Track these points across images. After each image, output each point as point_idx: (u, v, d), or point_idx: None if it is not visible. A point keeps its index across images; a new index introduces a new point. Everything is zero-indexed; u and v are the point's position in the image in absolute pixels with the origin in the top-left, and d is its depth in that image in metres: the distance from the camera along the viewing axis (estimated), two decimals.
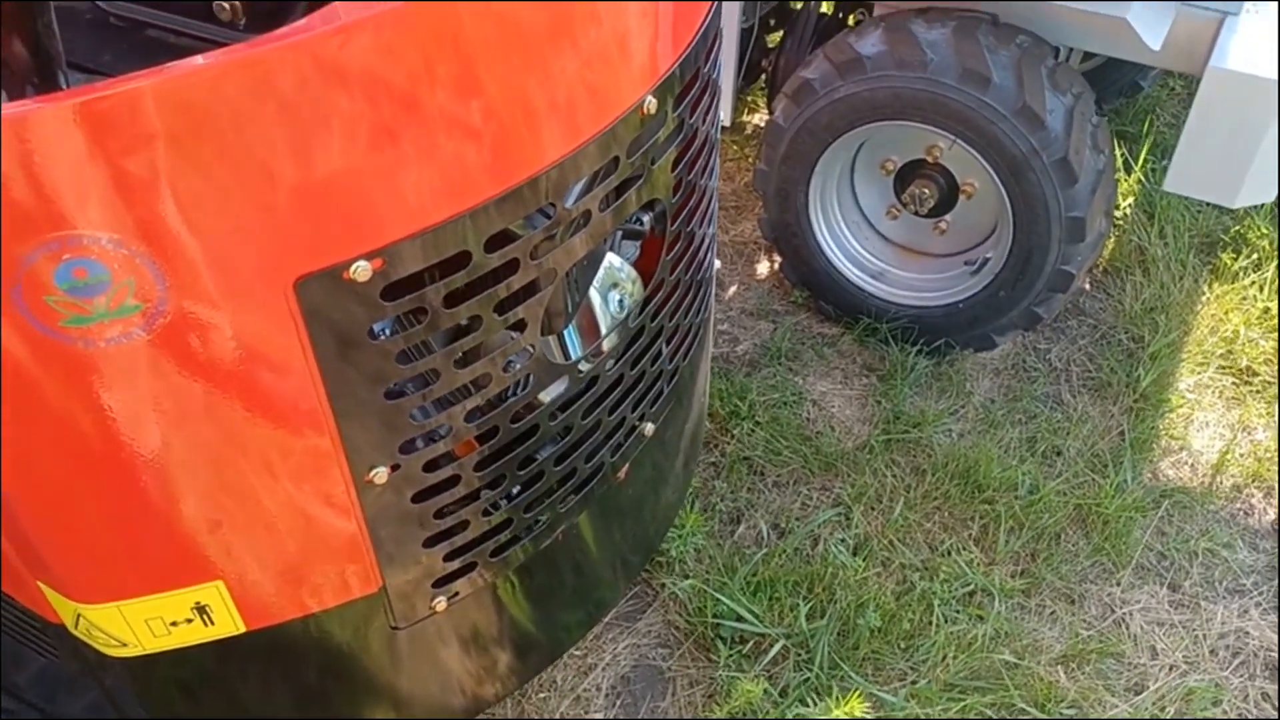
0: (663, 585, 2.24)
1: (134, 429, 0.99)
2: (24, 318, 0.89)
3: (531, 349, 1.19)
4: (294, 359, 1.00)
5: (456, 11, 0.94)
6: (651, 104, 1.18)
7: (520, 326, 1.17)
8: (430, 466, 1.16)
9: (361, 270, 0.97)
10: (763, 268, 3.13)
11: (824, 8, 2.97)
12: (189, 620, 1.14)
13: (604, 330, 1.38)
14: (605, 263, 1.39)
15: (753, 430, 2.58)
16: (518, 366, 1.19)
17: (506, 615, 1.48)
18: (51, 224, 0.86)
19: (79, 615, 1.13)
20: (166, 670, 1.23)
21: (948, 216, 2.70)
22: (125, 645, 1.16)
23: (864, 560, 2.29)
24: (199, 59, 0.87)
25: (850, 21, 2.97)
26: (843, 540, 2.34)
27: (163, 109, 0.86)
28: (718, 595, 2.16)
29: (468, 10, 0.95)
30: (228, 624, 1.16)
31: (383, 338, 1.04)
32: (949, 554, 2.34)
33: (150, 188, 0.87)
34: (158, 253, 0.89)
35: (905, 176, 2.70)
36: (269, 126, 0.90)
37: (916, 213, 2.71)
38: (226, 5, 0.98)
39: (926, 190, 2.66)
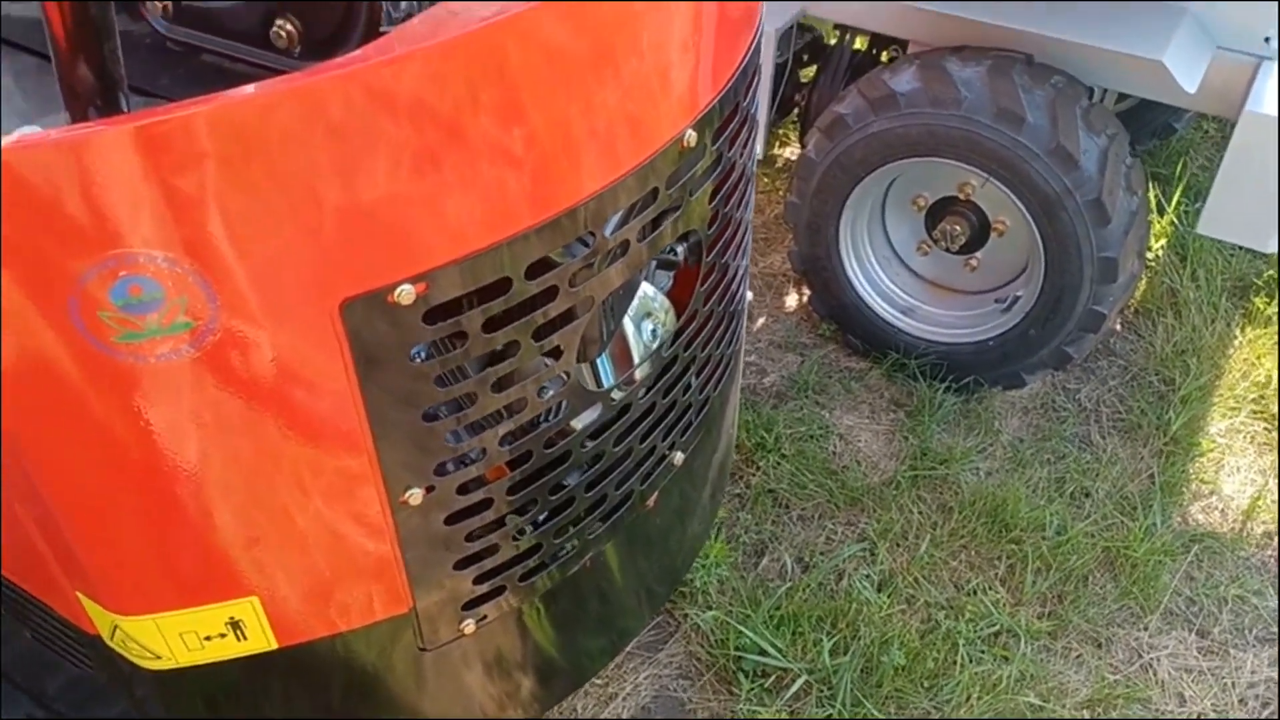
0: (685, 616, 2.24)
1: (177, 444, 1.01)
2: (78, 332, 0.91)
3: (566, 376, 1.20)
4: (336, 380, 1.01)
5: (504, 42, 0.96)
6: (691, 137, 1.20)
7: (556, 353, 1.19)
8: (463, 489, 1.18)
9: (405, 294, 0.99)
10: (791, 300, 3.13)
11: (858, 44, 2.99)
12: (222, 635, 1.16)
13: (637, 359, 1.39)
14: (639, 292, 1.40)
15: (779, 463, 2.58)
16: (552, 393, 1.20)
17: (531, 641, 1.48)
18: (109, 242, 0.88)
19: (115, 627, 1.15)
20: (196, 684, 1.24)
21: (978, 254, 2.71)
22: (159, 658, 1.17)
23: (889, 597, 2.28)
24: (252, 87, 0.90)
25: (884, 58, 2.99)
26: (868, 576, 2.33)
27: (215, 135, 0.88)
28: (740, 628, 2.15)
29: (514, 40, 0.97)
30: (260, 640, 1.17)
31: (422, 360, 1.06)
32: (975, 593, 2.32)
33: (204, 209, 0.89)
34: (210, 272, 0.91)
35: (936, 213, 2.70)
36: (319, 153, 0.92)
37: (947, 249, 2.71)
38: (283, 32, 1.00)
39: (958, 227, 2.66)
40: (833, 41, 3.03)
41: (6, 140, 0.87)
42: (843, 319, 2.87)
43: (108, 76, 0.93)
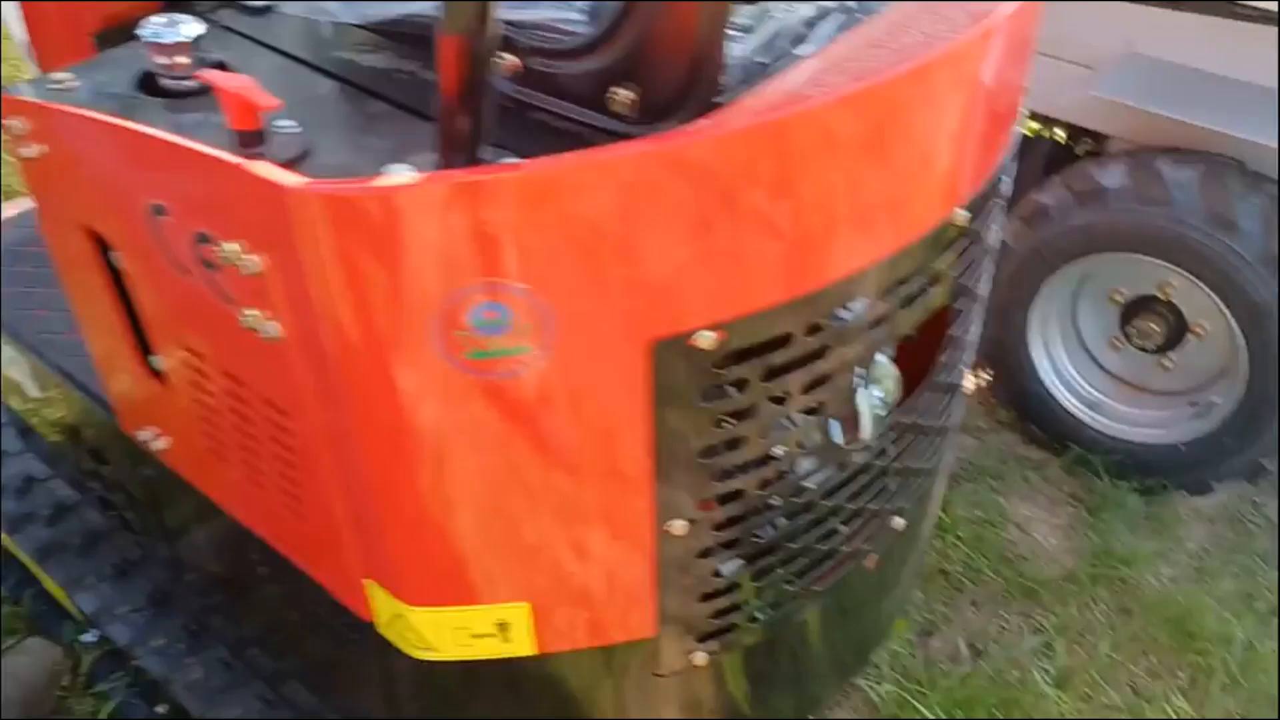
0: (856, 686, 2.25)
1: (492, 454, 1.12)
2: (432, 346, 1.04)
3: (821, 431, 1.28)
4: (635, 411, 1.12)
5: (834, 123, 1.05)
6: (961, 218, 1.28)
7: (812, 409, 1.27)
8: (719, 526, 1.26)
9: (707, 339, 1.09)
10: (967, 382, 3.13)
11: (1056, 135, 3.02)
12: (490, 635, 1.26)
13: (868, 423, 1.46)
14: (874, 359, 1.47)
15: (954, 545, 2.58)
16: (807, 446, 1.28)
17: (737, 686, 1.53)
18: (475, 271, 1.01)
19: (399, 615, 1.26)
20: (449, 677, 1.34)
21: (1173, 354, 2.67)
22: (431, 649, 1.28)
23: (1067, 694, 2.24)
24: (590, 152, 1.02)
25: (1079, 152, 3.01)
26: (1046, 670, 2.29)
27: (559, 192, 1.01)
28: (917, 705, 2.15)
29: (842, 123, 1.06)
30: (521, 644, 1.27)
31: (708, 403, 1.15)
32: (1155, 701, 2.26)
33: (551, 252, 1.02)
34: (554, 306, 1.03)
35: (1132, 309, 2.69)
36: (645, 212, 1.03)
37: (1141, 347, 2.69)
38: (622, 98, 1.12)
39: (1154, 326, 2.64)
40: (1031, 134, 3.07)
41: (384, 179, 1.02)
42: (1024, 407, 2.86)
43: (478, 129, 1.07)
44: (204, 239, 1.12)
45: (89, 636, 2.21)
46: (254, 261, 1.07)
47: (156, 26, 1.26)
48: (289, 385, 1.17)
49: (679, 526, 1.22)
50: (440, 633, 1.26)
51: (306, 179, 1.01)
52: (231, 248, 1.08)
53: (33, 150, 1.29)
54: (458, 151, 1.07)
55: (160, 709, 2.10)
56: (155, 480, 1.63)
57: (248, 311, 1.12)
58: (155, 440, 1.52)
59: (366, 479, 1.16)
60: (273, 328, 1.11)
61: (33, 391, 1.88)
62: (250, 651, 1.87)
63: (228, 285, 1.14)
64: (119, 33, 1.61)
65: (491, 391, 1.08)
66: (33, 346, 1.78)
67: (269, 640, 1.78)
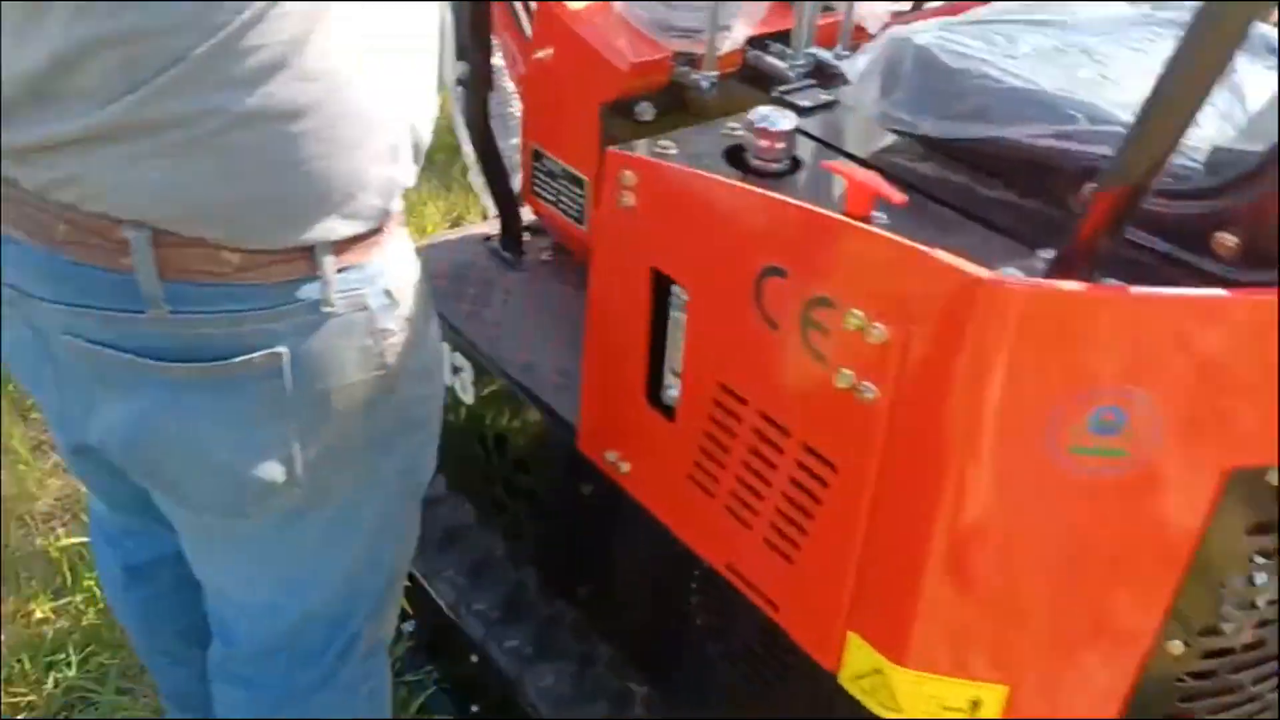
0: None
1: (1044, 545, 1.22)
2: (1047, 434, 1.15)
3: None
4: (1189, 530, 1.20)
5: None
6: None
7: None
8: (1205, 654, 1.32)
9: (1277, 477, 1.18)
10: None
11: None
12: (959, 710, 1.33)
13: None
14: None
15: None
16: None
17: None
18: (1115, 373, 1.13)
19: (878, 671, 1.35)
20: None
21: None
22: (897, 710, 1.36)
23: None
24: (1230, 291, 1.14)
25: None
26: None
27: (1181, 317, 1.13)
28: None
29: None
30: None
31: (1249, 536, 1.23)
32: None
33: (1177, 371, 1.13)
34: (1166, 420, 1.13)
35: None
36: (1253, 350, 1.13)
37: None
38: (1225, 242, 1.23)
39: None
40: None
41: (1009, 282, 1.15)
42: None
43: (1106, 252, 1.19)
44: (823, 302, 1.26)
45: (407, 626, 2.36)
46: (880, 330, 1.20)
47: (767, 113, 1.45)
48: (856, 444, 1.28)
49: (1175, 647, 1.29)
50: (915, 697, 1.34)
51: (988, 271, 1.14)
52: (857, 315, 1.22)
53: (628, 200, 1.48)
54: (1072, 272, 1.19)
55: (475, 708, 2.22)
56: (593, 497, 1.77)
57: (845, 371, 1.26)
58: (621, 463, 1.66)
59: (913, 542, 1.26)
60: (870, 390, 1.24)
61: (466, 398, 2.07)
62: (595, 669, 1.98)
63: (826, 346, 1.28)
64: (623, 105, 1.84)
65: (1073, 487, 1.18)
66: (488, 358, 1.97)
67: (624, 662, 1.89)
